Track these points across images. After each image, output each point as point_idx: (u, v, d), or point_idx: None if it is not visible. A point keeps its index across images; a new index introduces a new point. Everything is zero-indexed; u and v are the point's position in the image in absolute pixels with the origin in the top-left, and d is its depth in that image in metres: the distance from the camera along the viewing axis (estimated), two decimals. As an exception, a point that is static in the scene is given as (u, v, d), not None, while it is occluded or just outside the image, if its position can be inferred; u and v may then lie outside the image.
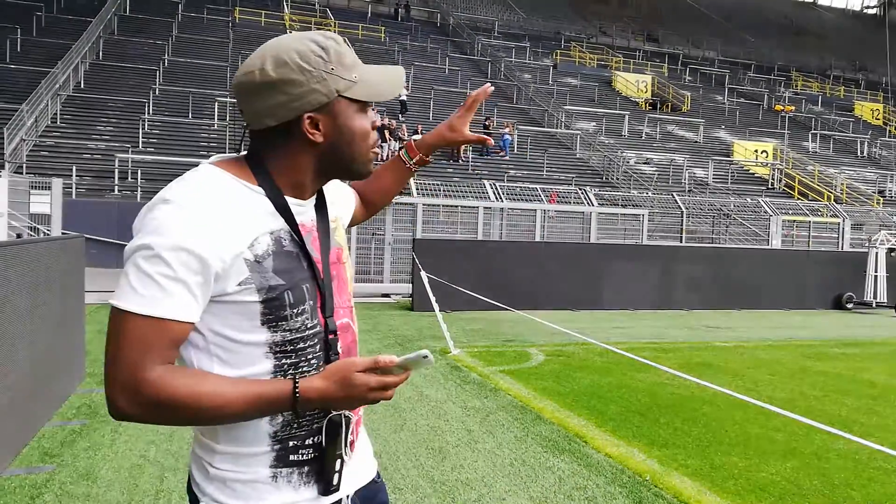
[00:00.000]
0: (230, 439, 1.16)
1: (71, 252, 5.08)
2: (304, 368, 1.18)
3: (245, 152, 1.22)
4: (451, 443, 4.39)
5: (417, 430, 4.63)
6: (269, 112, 1.15)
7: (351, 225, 1.58)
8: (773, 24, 54.49)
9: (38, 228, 11.82)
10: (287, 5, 34.16)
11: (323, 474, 1.20)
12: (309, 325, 1.18)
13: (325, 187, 1.31)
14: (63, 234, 11.57)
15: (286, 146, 1.19)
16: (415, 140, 1.63)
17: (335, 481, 1.21)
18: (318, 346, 1.20)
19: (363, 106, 1.21)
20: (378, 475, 1.40)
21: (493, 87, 1.61)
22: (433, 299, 8.04)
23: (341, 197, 1.43)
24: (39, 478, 3.57)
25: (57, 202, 12.15)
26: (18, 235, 10.77)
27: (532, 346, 7.92)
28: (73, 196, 15.55)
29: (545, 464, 4.05)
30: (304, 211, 1.23)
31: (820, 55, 49.22)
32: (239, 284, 1.11)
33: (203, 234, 1.07)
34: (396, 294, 12.37)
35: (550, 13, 45.66)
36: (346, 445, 1.21)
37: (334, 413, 1.19)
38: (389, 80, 1.24)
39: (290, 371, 1.16)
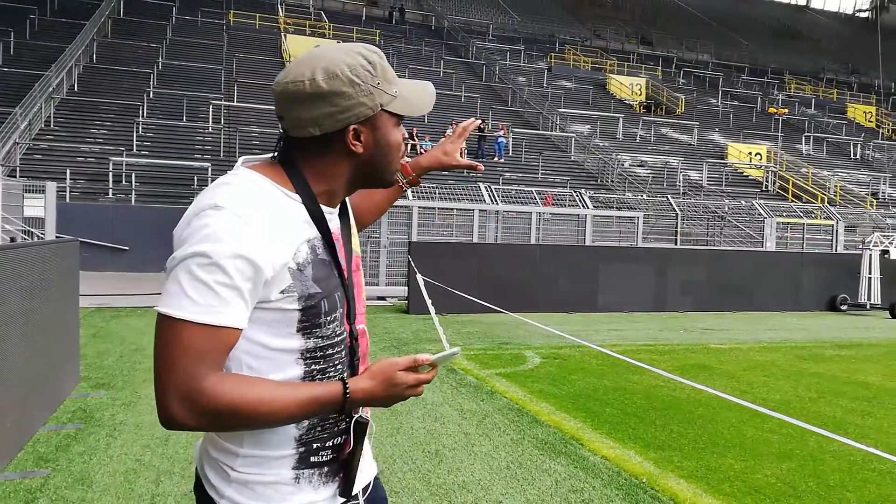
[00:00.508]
0: (255, 443, 1.17)
1: (65, 256, 5.07)
2: (331, 374, 1.21)
3: (277, 156, 1.22)
4: (447, 446, 4.39)
5: (414, 433, 4.63)
6: (315, 122, 1.16)
7: None
8: (766, 28, 54.79)
9: (31, 232, 11.77)
10: (281, 8, 34.16)
11: (347, 475, 1.24)
12: (338, 332, 1.21)
13: None
14: (57, 237, 11.53)
15: (325, 155, 1.20)
16: (408, 161, 1.66)
17: (356, 481, 1.25)
18: (343, 352, 1.23)
19: (399, 119, 1.25)
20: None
21: (481, 122, 1.67)
22: (429, 302, 8.03)
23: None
24: (34, 482, 3.55)
25: (51, 206, 12.11)
26: (12, 239, 10.72)
27: (528, 349, 7.92)
28: (67, 199, 15.49)
29: (541, 466, 4.05)
30: (332, 219, 1.25)
31: (813, 58, 49.50)
32: (281, 292, 1.12)
33: (259, 241, 1.08)
34: (392, 297, 12.36)
35: (545, 16, 45.80)
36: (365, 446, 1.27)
37: (358, 415, 1.22)
38: (424, 96, 1.29)
39: (318, 376, 1.19)
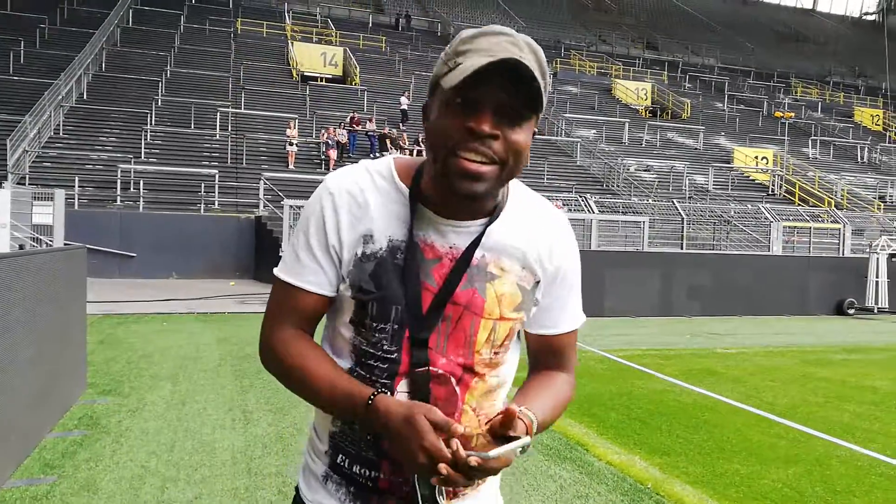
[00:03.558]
0: (313, 427, 1.24)
1: (73, 263, 5.10)
2: (374, 382, 1.12)
3: None
4: (452, 451, 4.38)
5: (418, 438, 4.62)
6: None
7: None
8: (772, 31, 54.67)
9: (40, 239, 11.86)
10: (289, 16, 34.33)
11: None
12: (385, 348, 1.11)
13: (547, 238, 1.18)
14: (65, 244, 11.60)
15: None
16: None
17: None
18: (385, 373, 1.12)
19: (455, 96, 1.03)
20: None
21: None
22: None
23: (554, 259, 1.20)
24: (40, 489, 3.56)
25: (59, 213, 12.19)
26: (21, 246, 10.81)
27: (533, 354, 7.90)
28: (76, 207, 15.59)
29: (547, 472, 4.04)
30: (452, 232, 1.12)
31: (819, 61, 49.33)
32: (347, 275, 1.13)
33: (331, 214, 1.13)
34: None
35: (550, 22, 45.83)
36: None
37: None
38: (487, 59, 1.01)
39: (362, 379, 1.13)
